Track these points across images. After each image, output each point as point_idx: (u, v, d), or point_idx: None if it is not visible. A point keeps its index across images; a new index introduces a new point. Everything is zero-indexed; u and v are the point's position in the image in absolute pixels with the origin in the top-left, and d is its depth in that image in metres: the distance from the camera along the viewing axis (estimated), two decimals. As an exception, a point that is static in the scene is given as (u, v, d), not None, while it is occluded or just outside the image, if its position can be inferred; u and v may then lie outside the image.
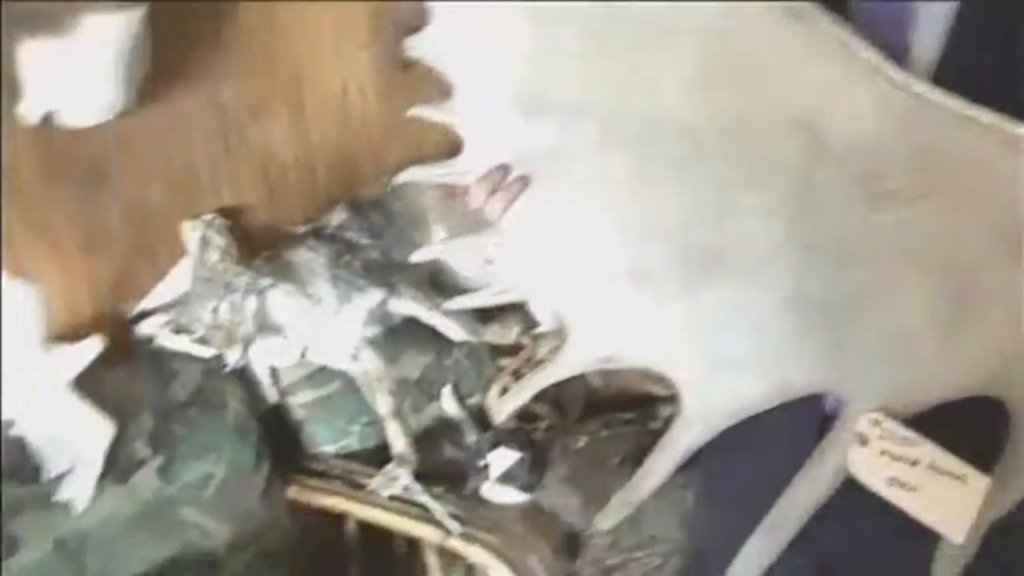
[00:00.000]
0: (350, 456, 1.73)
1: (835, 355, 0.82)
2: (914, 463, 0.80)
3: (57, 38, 1.41)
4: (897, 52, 0.75)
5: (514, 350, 1.90)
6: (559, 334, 1.84)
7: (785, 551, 0.89)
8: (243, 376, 1.69)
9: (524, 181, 0.84)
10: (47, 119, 1.52)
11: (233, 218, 1.70)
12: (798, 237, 0.79)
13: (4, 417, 1.45)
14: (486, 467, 1.57)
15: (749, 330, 0.84)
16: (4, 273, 1.45)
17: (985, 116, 0.69)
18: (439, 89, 0.90)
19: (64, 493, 1.43)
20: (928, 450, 0.79)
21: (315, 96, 1.87)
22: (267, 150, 1.81)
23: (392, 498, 1.56)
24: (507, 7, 0.78)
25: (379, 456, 1.69)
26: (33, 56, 1.45)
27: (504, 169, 0.84)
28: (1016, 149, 0.69)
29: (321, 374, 1.73)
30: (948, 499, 0.78)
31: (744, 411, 0.87)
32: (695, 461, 1.06)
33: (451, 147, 2.03)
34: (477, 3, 0.79)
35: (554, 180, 0.81)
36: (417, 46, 0.84)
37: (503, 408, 0.83)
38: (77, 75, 1.47)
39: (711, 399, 0.86)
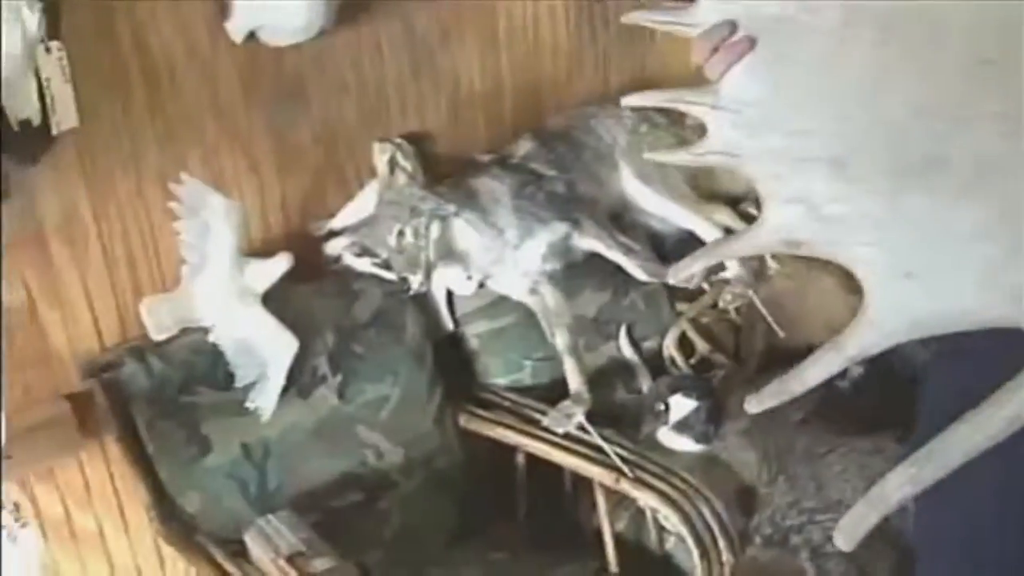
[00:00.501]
0: (522, 390, 1.72)
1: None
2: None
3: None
4: None
5: (694, 295, 1.84)
6: (743, 281, 1.77)
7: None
8: (421, 302, 1.70)
9: (750, 42, 0.78)
10: (251, 37, 1.56)
11: (420, 143, 1.70)
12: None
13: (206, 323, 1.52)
14: (664, 411, 1.52)
15: (950, 245, 0.75)
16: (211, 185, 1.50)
17: None
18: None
19: (252, 401, 1.49)
20: None
21: (507, 23, 1.84)
22: (456, 76, 1.80)
23: (563, 435, 1.54)
24: None
25: (551, 392, 1.67)
26: (241, -26, 1.48)
27: (731, 26, 0.78)
28: None
29: (497, 306, 1.73)
30: None
31: (929, 329, 0.79)
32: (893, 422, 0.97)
33: (634, 85, 1.97)
34: None
35: (782, 48, 0.75)
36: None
37: (683, 269, 0.78)
38: (281, -5, 1.49)
39: (892, 308, 0.79)
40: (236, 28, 1.53)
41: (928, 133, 0.72)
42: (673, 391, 1.53)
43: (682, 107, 0.85)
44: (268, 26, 1.54)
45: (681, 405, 1.52)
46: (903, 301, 0.78)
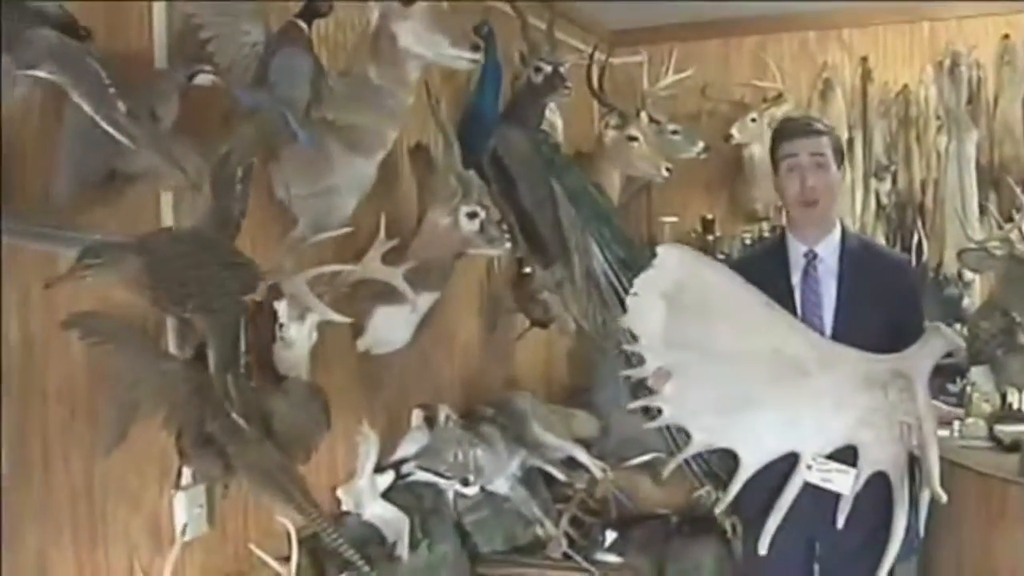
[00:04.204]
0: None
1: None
2: None
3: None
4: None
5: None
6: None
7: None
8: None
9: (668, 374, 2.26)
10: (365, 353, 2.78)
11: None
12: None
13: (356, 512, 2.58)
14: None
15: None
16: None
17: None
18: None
19: (397, 552, 2.56)
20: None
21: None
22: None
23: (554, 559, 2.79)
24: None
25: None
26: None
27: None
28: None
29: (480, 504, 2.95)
30: None
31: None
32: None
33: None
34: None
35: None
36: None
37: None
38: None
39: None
40: (362, 344, 2.75)
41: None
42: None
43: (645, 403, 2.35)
44: (380, 344, 2.78)
45: (610, 536, 2.86)
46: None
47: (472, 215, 2.64)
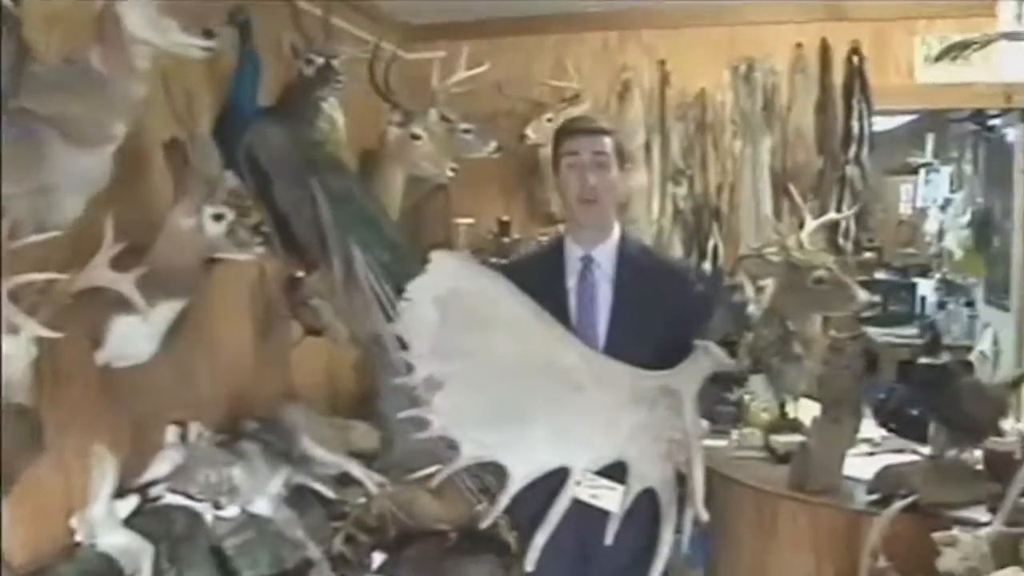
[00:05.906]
0: (266, 576, 2.74)
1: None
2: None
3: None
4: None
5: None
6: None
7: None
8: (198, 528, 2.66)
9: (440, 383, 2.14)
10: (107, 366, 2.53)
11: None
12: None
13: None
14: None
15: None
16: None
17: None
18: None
19: (134, 588, 2.33)
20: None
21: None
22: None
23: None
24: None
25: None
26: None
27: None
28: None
29: (244, 526, 2.75)
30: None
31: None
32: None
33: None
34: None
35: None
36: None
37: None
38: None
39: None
40: (102, 357, 2.50)
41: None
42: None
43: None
44: (121, 357, 2.54)
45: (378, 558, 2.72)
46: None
47: (218, 217, 2.44)
